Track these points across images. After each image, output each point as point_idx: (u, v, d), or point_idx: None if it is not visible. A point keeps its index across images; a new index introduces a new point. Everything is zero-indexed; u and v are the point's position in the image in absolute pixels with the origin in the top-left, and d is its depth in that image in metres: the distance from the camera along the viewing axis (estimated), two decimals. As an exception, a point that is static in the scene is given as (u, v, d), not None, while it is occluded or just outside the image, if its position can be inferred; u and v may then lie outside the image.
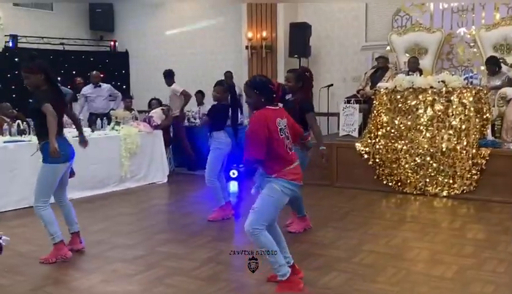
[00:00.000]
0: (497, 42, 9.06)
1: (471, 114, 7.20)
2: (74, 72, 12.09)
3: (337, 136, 8.77)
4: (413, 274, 4.39)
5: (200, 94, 11.22)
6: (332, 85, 10.38)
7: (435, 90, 7.38)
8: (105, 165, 8.00)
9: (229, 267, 4.63)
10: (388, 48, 9.97)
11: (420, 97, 7.45)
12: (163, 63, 12.32)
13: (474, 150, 7.13)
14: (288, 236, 5.25)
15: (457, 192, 7.22)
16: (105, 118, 9.09)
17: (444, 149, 7.26)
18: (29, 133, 7.24)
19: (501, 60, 8.50)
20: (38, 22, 13.23)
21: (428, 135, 7.39)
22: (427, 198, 7.31)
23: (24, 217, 6.33)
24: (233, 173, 8.71)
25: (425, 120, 7.40)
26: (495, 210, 6.61)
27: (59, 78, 11.26)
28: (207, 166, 6.21)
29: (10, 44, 12.26)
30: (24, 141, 7.09)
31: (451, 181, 7.26)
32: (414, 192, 7.48)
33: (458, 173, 7.21)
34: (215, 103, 6.35)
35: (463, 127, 7.20)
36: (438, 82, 7.36)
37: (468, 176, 7.16)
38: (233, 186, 8.36)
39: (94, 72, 10.39)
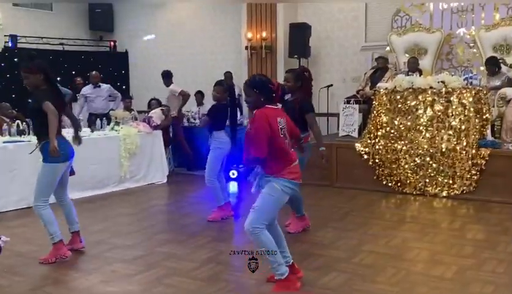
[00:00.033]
0: (497, 42, 9.06)
1: (471, 114, 7.20)
2: (73, 72, 12.08)
3: (336, 137, 8.77)
4: (412, 274, 4.39)
5: (200, 94, 11.22)
6: (331, 85, 10.39)
7: (434, 90, 7.37)
8: (105, 165, 8.00)
9: (229, 268, 4.63)
10: (388, 48, 9.97)
11: (420, 97, 7.45)
12: (163, 63, 12.33)
13: (473, 151, 7.13)
14: (287, 236, 5.24)
15: (457, 192, 7.22)
16: (104, 118, 9.09)
17: (443, 150, 7.26)
18: (29, 134, 7.23)
19: (500, 61, 8.50)
20: (37, 23, 13.22)
21: (428, 135, 7.39)
22: (426, 198, 7.31)
23: (24, 217, 6.33)
24: (233, 174, 8.71)
25: (425, 120, 7.40)
26: (494, 210, 6.60)
27: (58, 78, 11.26)
28: (207, 166, 6.21)
29: (10, 44, 12.26)
30: (23, 141, 7.08)
31: (450, 181, 7.26)
32: (414, 192, 7.48)
33: (458, 174, 7.21)
34: (215, 103, 6.35)
35: (463, 127, 7.20)
36: (438, 82, 7.36)
37: (468, 176, 7.16)
38: (233, 186, 8.37)
39: (94, 72, 10.38)
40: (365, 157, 7.89)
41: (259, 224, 3.82)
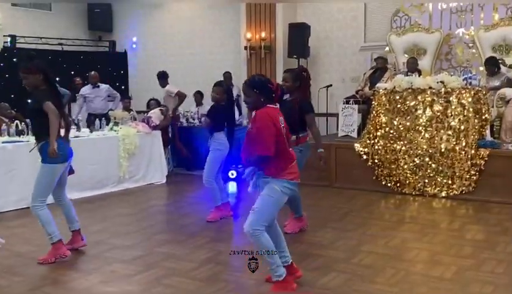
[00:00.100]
0: (496, 43, 9.06)
1: (470, 114, 7.20)
2: (72, 72, 12.06)
3: (336, 137, 8.77)
4: (412, 274, 4.39)
5: (199, 95, 11.22)
6: (331, 85, 10.39)
7: (434, 90, 7.37)
8: (104, 165, 7.99)
9: (228, 268, 4.63)
10: (387, 48, 9.97)
11: (419, 97, 7.45)
12: (162, 63, 12.33)
13: (473, 151, 7.13)
14: (286, 237, 5.25)
15: (456, 192, 7.22)
16: (103, 118, 9.09)
17: (443, 150, 7.26)
18: (28, 134, 7.23)
19: (500, 61, 8.50)
20: (36, 23, 13.21)
21: (427, 135, 7.39)
22: (426, 198, 7.31)
23: (23, 217, 6.32)
24: (232, 174, 8.72)
25: (424, 120, 7.40)
26: (493, 211, 6.60)
27: (57, 79, 11.25)
28: (206, 167, 6.20)
29: (9, 44, 12.24)
30: (22, 141, 7.08)
31: (449, 182, 7.26)
32: (413, 193, 7.48)
33: (457, 174, 7.21)
34: (213, 103, 6.33)
35: (462, 127, 7.20)
36: (437, 82, 7.36)
37: (467, 176, 7.16)
38: (232, 187, 8.37)
39: (92, 72, 10.38)
40: (365, 157, 7.88)
41: (259, 226, 3.82)
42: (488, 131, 7.38)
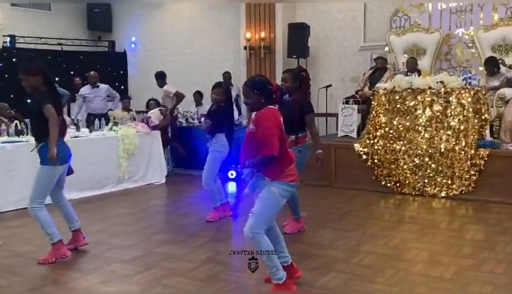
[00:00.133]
0: (495, 43, 9.06)
1: (470, 114, 7.20)
2: (72, 72, 12.04)
3: (335, 137, 8.77)
4: (411, 274, 4.39)
5: (198, 95, 11.21)
6: (330, 86, 10.37)
7: (433, 90, 7.38)
8: (103, 165, 7.99)
9: (227, 268, 4.63)
10: (387, 48, 9.97)
11: (418, 97, 7.45)
12: (162, 63, 12.33)
13: (472, 151, 7.14)
14: (286, 237, 5.25)
15: (456, 192, 7.22)
16: (103, 118, 9.08)
17: (442, 150, 7.26)
18: (27, 134, 7.22)
19: (500, 61, 8.50)
20: (36, 23, 13.20)
21: (426, 135, 7.39)
22: (425, 198, 7.31)
23: (23, 217, 6.29)
24: (231, 174, 8.72)
25: (424, 120, 7.40)
26: (493, 211, 6.61)
27: (56, 79, 11.23)
28: (206, 168, 6.18)
29: (8, 44, 12.23)
30: (22, 141, 7.08)
31: (449, 182, 7.26)
32: (413, 193, 7.48)
33: (456, 174, 7.21)
34: (214, 105, 6.29)
35: (462, 127, 7.21)
36: (437, 83, 7.36)
37: (467, 176, 7.16)
38: (231, 187, 8.37)
39: (92, 73, 10.38)
40: (364, 157, 7.89)
41: (259, 229, 3.81)
42: (487, 132, 7.38)
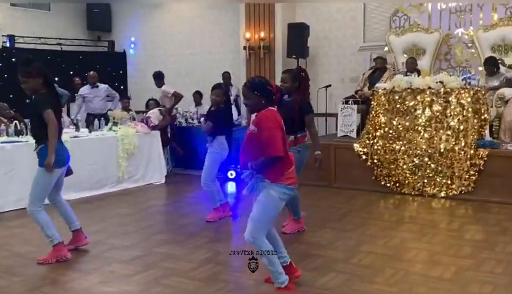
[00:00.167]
0: (495, 43, 9.06)
1: (469, 114, 7.20)
2: (71, 72, 12.05)
3: (335, 137, 8.77)
4: (411, 274, 4.39)
5: (198, 95, 11.21)
6: (330, 86, 10.38)
7: (433, 90, 7.38)
8: (103, 165, 7.99)
9: (227, 268, 4.62)
10: (386, 48, 9.97)
11: (418, 97, 7.45)
12: (161, 63, 12.34)
13: (472, 151, 7.14)
14: (286, 237, 5.27)
15: (455, 192, 7.22)
16: (102, 119, 9.08)
17: (442, 150, 7.26)
18: (27, 134, 7.22)
19: (499, 61, 8.51)
20: (35, 23, 13.20)
21: (426, 135, 7.39)
22: (425, 198, 7.31)
23: (23, 217, 6.28)
24: (231, 174, 8.72)
25: (424, 121, 7.40)
26: (493, 211, 6.61)
27: (56, 79, 11.23)
28: (205, 169, 6.15)
29: (8, 44, 12.23)
30: (21, 141, 7.07)
31: (449, 182, 7.26)
32: (413, 193, 7.48)
33: (456, 174, 7.21)
34: (214, 107, 6.26)
35: (461, 127, 7.21)
36: (436, 83, 7.36)
37: (466, 176, 7.16)
38: (231, 187, 8.37)
39: (91, 73, 10.38)
40: (364, 157, 7.88)
41: (259, 234, 3.81)
42: (487, 132, 7.38)
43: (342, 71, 11.02)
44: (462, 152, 7.16)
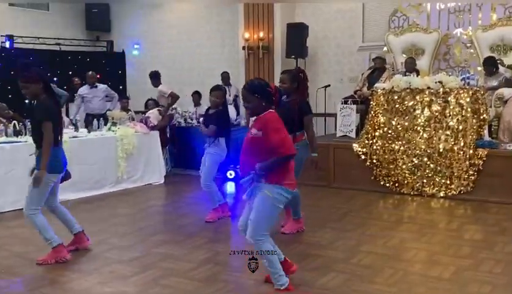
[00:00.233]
0: (494, 43, 9.08)
1: (468, 114, 7.21)
2: (70, 73, 12.05)
3: (334, 137, 8.77)
4: (410, 274, 4.39)
5: (197, 95, 11.21)
6: (329, 86, 10.39)
7: (432, 90, 7.38)
8: (102, 165, 7.98)
9: (227, 268, 4.62)
10: (385, 48, 9.98)
11: (417, 97, 7.45)
12: (160, 63, 12.33)
13: (471, 151, 7.14)
14: (285, 237, 5.29)
15: (454, 192, 7.23)
16: (101, 119, 9.06)
17: (441, 150, 7.27)
18: (25, 134, 7.21)
19: (498, 61, 8.52)
20: (34, 23, 13.20)
21: (425, 135, 7.40)
22: (424, 198, 7.31)
23: (23, 217, 6.21)
24: (230, 174, 8.71)
25: (423, 121, 7.41)
26: (492, 211, 6.61)
27: (55, 79, 11.25)
28: (205, 170, 6.15)
29: (7, 44, 12.22)
30: (20, 142, 7.06)
31: (448, 182, 7.27)
32: (412, 193, 7.49)
33: (455, 174, 7.22)
34: (213, 108, 6.25)
35: (460, 127, 7.21)
36: (435, 83, 7.36)
37: (465, 176, 7.17)
38: (230, 187, 8.36)
39: (90, 73, 10.36)
40: (363, 157, 7.89)
41: (260, 235, 3.82)
42: (486, 132, 7.39)
43: (341, 71, 11.03)
44: (461, 152, 7.17)
